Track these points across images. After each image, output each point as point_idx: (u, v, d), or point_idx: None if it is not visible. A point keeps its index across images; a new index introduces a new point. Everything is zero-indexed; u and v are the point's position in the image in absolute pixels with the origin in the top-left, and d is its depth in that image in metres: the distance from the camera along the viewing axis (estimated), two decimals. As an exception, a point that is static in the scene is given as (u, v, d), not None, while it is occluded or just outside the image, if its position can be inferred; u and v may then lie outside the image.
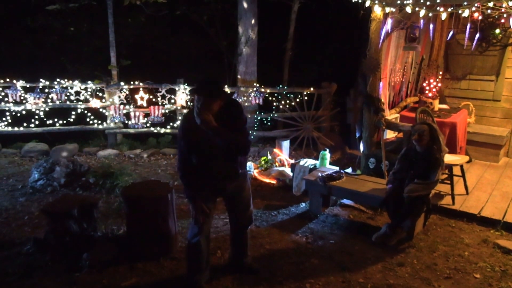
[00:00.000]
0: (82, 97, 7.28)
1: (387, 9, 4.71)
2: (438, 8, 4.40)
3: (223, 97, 2.93)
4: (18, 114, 7.05)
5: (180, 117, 7.37)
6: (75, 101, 7.24)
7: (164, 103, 7.20)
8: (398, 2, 4.57)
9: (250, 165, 6.07)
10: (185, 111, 7.19)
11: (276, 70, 9.12)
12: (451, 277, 3.52)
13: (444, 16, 4.44)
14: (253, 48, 7.90)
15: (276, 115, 7.76)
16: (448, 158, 4.69)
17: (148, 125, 7.32)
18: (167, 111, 7.27)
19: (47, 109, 7.11)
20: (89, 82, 7.22)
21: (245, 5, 7.68)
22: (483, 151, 6.31)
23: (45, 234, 3.76)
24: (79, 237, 3.67)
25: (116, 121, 7.31)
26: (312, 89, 7.52)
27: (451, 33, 5.42)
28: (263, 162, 6.21)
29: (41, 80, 6.96)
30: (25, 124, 7.17)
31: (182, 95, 7.20)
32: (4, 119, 7.05)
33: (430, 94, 6.60)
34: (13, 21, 9.47)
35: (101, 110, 7.43)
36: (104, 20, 8.03)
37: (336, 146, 7.24)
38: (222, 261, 3.70)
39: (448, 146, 4.52)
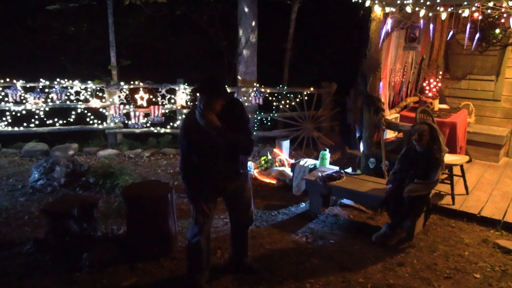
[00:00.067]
0: (82, 97, 7.27)
1: (387, 9, 4.72)
2: (438, 8, 4.40)
3: (225, 96, 2.93)
4: (18, 114, 7.04)
5: (180, 117, 7.38)
6: (75, 101, 7.24)
7: (164, 103, 7.20)
8: (398, 2, 4.58)
9: (250, 165, 6.06)
10: (185, 111, 7.22)
11: (276, 70, 9.12)
12: (451, 277, 3.52)
13: (444, 16, 4.44)
14: (253, 48, 7.89)
15: (276, 115, 7.76)
16: (448, 158, 4.69)
17: (148, 125, 7.32)
18: (167, 111, 7.27)
19: (47, 109, 7.11)
20: (89, 82, 7.22)
21: (245, 5, 7.68)
22: (483, 151, 6.31)
23: (45, 234, 3.76)
24: (79, 237, 3.67)
25: (116, 121, 7.30)
26: (312, 89, 7.52)
27: (451, 33, 5.41)
28: (263, 162, 6.21)
29: (41, 80, 6.96)
30: (25, 124, 7.17)
31: (182, 95, 7.20)
32: (4, 119, 7.05)
33: (430, 94, 6.60)
34: (13, 21, 9.46)
35: (101, 110, 7.43)
36: (104, 20, 8.03)
37: (336, 146, 7.24)
38: (222, 261, 3.70)
39: (448, 146, 4.53)
